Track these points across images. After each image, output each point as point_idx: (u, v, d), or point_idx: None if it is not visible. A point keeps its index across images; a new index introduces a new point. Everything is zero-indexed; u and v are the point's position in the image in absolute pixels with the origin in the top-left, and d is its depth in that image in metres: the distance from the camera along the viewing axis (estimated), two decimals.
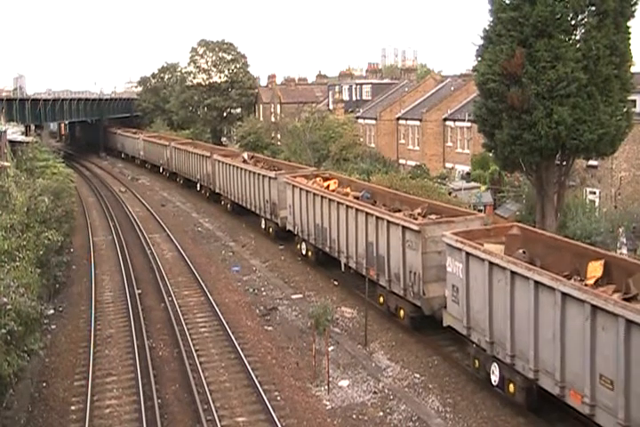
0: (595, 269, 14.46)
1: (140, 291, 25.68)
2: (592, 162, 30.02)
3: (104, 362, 19.21)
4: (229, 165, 39.30)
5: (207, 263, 29.70)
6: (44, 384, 17.97)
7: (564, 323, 13.24)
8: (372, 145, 52.18)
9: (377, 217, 21.69)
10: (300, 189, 28.22)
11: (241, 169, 37.09)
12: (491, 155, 28.18)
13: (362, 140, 50.20)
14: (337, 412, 15.99)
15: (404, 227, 20.01)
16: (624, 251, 24.19)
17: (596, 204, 30.57)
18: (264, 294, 25.30)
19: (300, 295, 24.77)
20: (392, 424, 15.39)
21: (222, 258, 30.69)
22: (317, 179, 29.61)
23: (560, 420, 14.91)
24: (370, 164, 42.72)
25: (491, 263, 15.44)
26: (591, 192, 31.56)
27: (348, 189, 27.32)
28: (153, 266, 28.97)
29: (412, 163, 47.06)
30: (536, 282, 13.92)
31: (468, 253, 16.41)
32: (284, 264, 29.16)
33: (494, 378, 16.10)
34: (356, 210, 23.14)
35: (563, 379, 13.50)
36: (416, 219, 20.70)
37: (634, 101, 25.43)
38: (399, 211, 22.57)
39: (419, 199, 23.98)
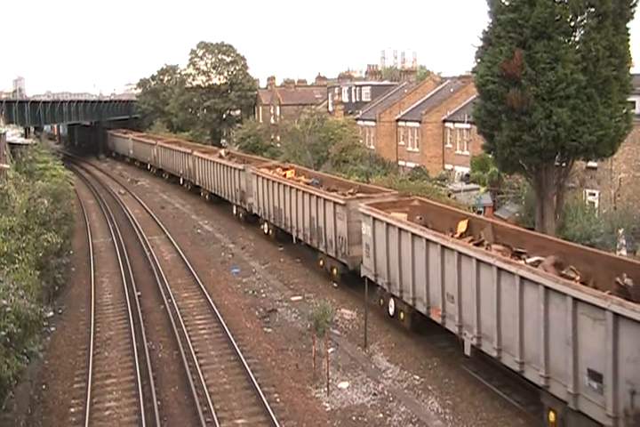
0: (461, 226, 19.66)
1: (139, 293, 25.64)
2: (591, 163, 30.05)
3: (103, 364, 19.18)
4: (207, 160, 44.66)
5: (207, 265, 29.68)
6: (44, 386, 17.95)
7: (428, 261, 18.32)
8: (372, 147, 52.16)
9: (317, 196, 26.78)
10: (262, 177, 33.25)
11: (216, 163, 42.32)
12: (490, 156, 28.21)
13: (361, 141, 50.17)
14: (337, 414, 15.98)
15: (335, 202, 25.16)
16: (623, 252, 24.16)
17: (596, 205, 30.56)
18: (263, 295, 25.29)
19: (300, 297, 24.76)
20: (392, 426, 15.37)
21: (222, 260, 30.69)
22: (278, 169, 34.88)
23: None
24: (369, 165, 42.73)
25: (387, 224, 20.53)
26: (590, 193, 31.56)
27: (303, 177, 32.33)
28: (152, 268, 28.95)
29: (412, 164, 47.08)
30: (412, 233, 19.01)
31: (374, 218, 21.43)
32: (284, 266, 29.15)
33: (391, 310, 21.13)
34: (303, 192, 28.26)
35: (428, 301, 18.61)
36: (345, 196, 25.68)
37: (633, 103, 25.42)
38: (335, 191, 27.38)
39: (353, 183, 29.91)
